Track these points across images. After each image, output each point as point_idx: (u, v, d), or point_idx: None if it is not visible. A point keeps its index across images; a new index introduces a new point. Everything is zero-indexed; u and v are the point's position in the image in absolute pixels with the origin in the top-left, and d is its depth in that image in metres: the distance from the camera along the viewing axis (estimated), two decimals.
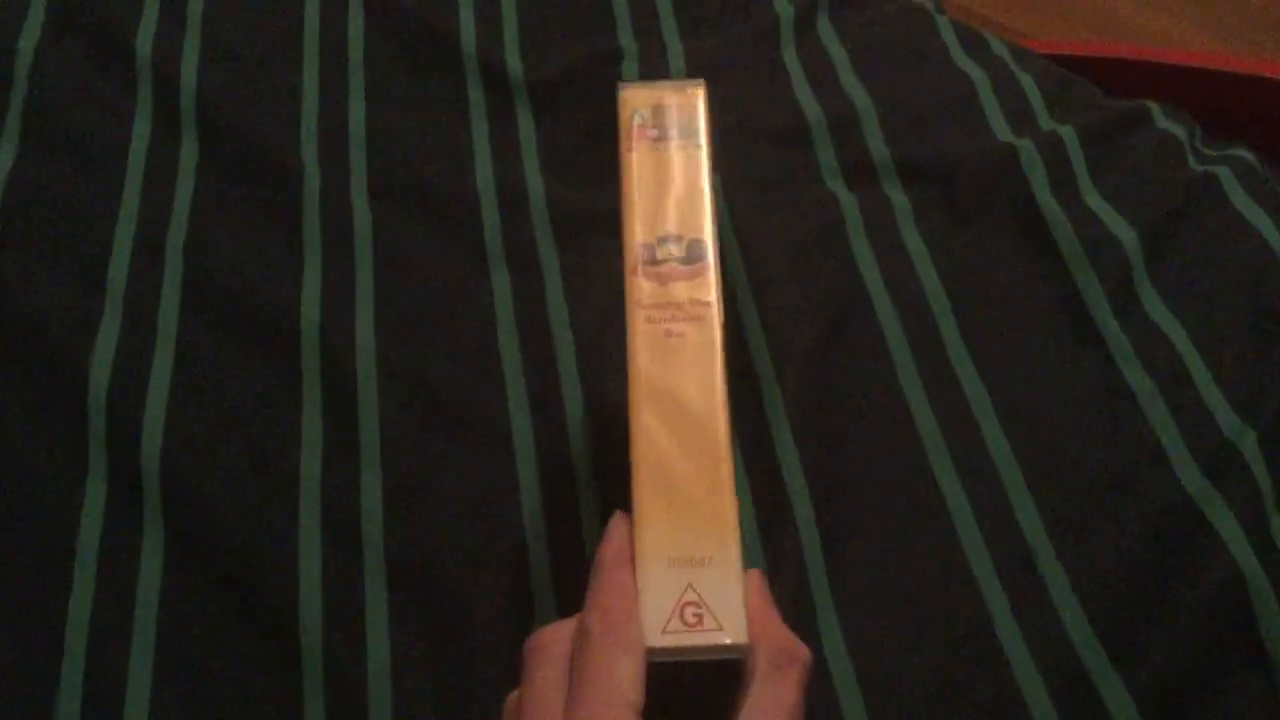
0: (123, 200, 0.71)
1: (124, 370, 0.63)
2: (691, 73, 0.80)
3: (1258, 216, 0.70)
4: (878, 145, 0.75)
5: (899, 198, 0.72)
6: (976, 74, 0.80)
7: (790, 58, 0.81)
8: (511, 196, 0.73)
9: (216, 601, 0.56)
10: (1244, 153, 0.77)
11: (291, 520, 0.58)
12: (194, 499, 0.59)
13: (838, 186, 0.73)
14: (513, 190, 0.73)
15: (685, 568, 0.44)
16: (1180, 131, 0.77)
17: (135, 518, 0.58)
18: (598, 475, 0.61)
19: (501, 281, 0.69)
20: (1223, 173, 0.73)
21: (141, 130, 0.74)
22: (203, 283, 0.67)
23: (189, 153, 0.74)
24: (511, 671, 0.54)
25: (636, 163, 0.54)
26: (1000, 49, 0.83)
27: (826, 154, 0.75)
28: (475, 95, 0.79)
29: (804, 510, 0.59)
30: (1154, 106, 0.79)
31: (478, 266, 0.70)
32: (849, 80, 0.79)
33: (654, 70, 0.80)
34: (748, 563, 0.49)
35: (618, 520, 0.46)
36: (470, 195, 0.73)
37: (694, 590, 0.43)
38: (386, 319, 0.66)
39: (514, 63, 0.80)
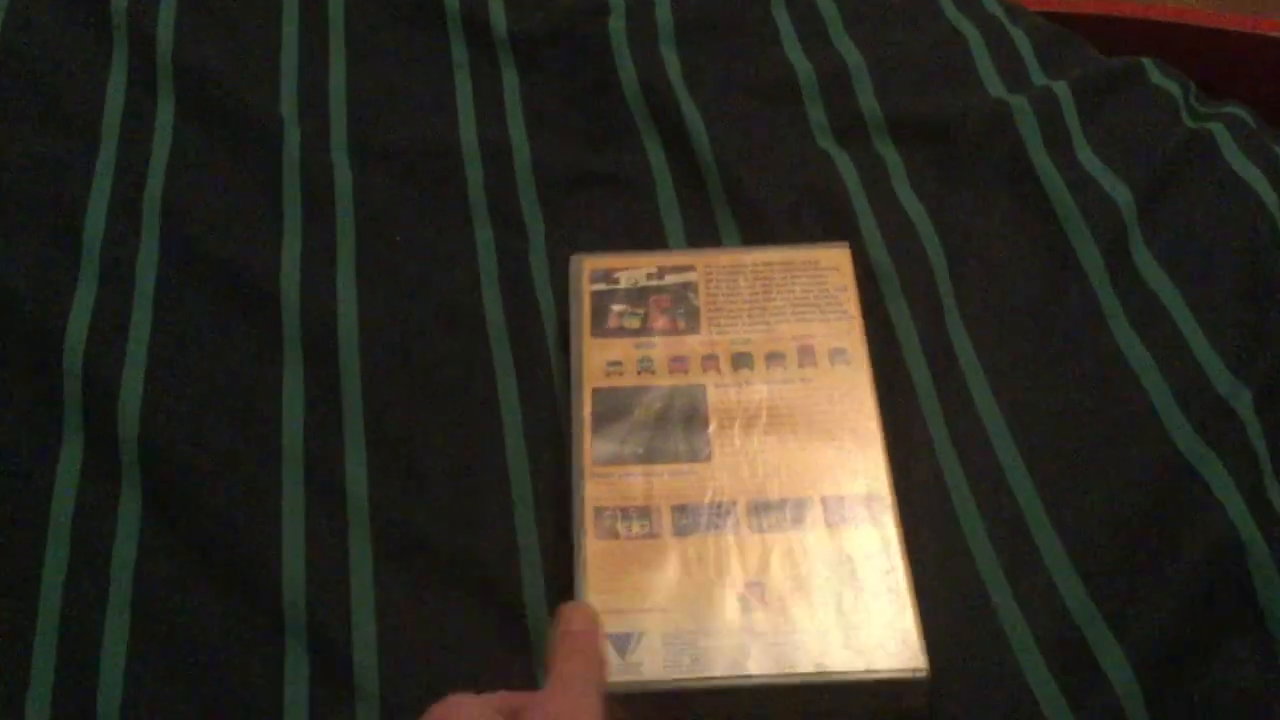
0: (98, 158, 0.69)
1: (101, 333, 0.61)
2: (678, 27, 0.79)
3: (1252, 174, 0.69)
4: (869, 102, 0.74)
5: (891, 155, 0.71)
6: (969, 29, 0.79)
7: (781, 13, 0.80)
8: (495, 153, 0.72)
9: (195, 566, 0.55)
10: (1238, 109, 0.76)
11: (274, 484, 0.57)
12: (173, 462, 0.57)
13: (829, 144, 0.72)
14: (497, 147, 0.72)
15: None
16: (1175, 88, 0.76)
17: (112, 482, 0.57)
18: None
19: (485, 240, 0.68)
20: (1217, 129, 0.72)
21: (117, 87, 0.73)
22: (181, 243, 0.66)
23: (165, 110, 0.72)
24: (492, 634, 0.53)
25: None
26: (993, 5, 0.82)
27: (817, 111, 0.74)
28: (458, 51, 0.78)
29: None
30: (1147, 62, 0.78)
31: (461, 225, 0.68)
32: (839, 37, 0.78)
33: (640, 26, 0.78)
34: None
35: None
36: (453, 152, 0.72)
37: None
38: (368, 279, 0.65)
39: (498, 17, 0.79)
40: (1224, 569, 0.54)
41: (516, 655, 0.53)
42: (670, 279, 0.63)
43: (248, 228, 0.67)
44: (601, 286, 0.63)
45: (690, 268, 0.63)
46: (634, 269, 0.63)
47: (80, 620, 0.54)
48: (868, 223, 0.67)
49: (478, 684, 0.45)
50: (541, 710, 0.44)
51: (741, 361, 0.60)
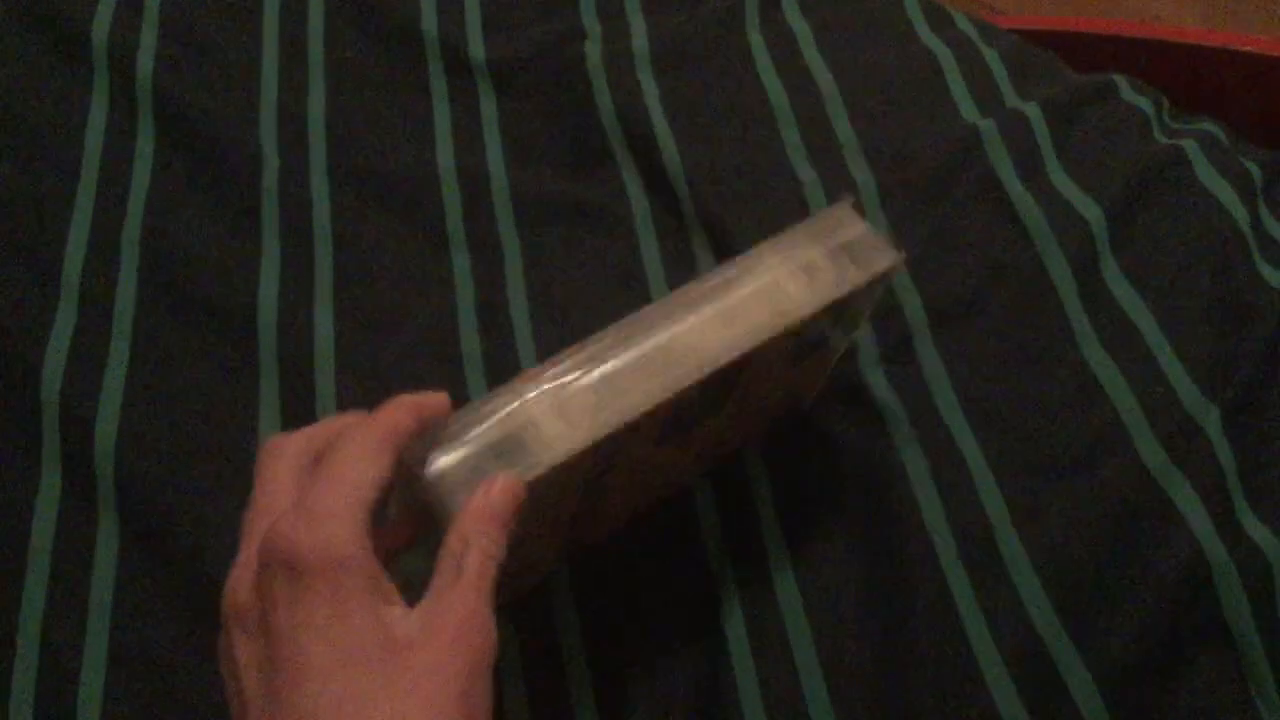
0: (78, 189, 0.70)
1: (78, 365, 0.62)
2: (654, 53, 0.79)
3: (1223, 190, 0.70)
4: (843, 126, 0.74)
5: (865, 178, 0.71)
6: (941, 51, 0.79)
7: (755, 37, 0.81)
8: (473, 180, 0.72)
9: (172, 592, 0.56)
10: (1210, 125, 0.77)
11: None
12: (150, 493, 0.58)
13: (803, 168, 0.72)
14: (474, 174, 0.73)
15: None
16: (1146, 104, 0.77)
17: (90, 512, 0.58)
18: None
19: (462, 268, 0.68)
20: (1189, 145, 0.72)
21: (97, 119, 0.73)
22: (160, 275, 0.67)
23: (145, 141, 0.73)
24: None
25: None
26: (966, 25, 0.83)
27: (792, 134, 0.74)
28: (436, 78, 0.78)
29: (764, 489, 0.59)
30: (1119, 79, 0.79)
31: (438, 253, 0.69)
32: (813, 59, 0.79)
33: (617, 52, 0.79)
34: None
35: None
36: (431, 180, 0.72)
37: None
38: (345, 308, 0.66)
39: (475, 44, 0.80)
40: (1191, 588, 0.55)
41: None
42: None
43: (226, 258, 0.68)
44: None
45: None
46: None
47: (58, 650, 0.54)
48: None
49: None
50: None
51: None
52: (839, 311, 0.52)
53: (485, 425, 0.45)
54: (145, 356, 0.63)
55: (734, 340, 0.48)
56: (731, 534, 0.58)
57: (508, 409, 0.45)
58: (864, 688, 0.53)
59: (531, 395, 0.46)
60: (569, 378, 0.47)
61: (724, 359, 0.48)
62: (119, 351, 0.63)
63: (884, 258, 0.52)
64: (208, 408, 0.61)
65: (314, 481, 0.41)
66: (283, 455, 0.44)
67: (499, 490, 0.43)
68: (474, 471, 0.44)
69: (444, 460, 0.44)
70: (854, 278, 0.51)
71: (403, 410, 0.44)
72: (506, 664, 0.54)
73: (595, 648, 0.55)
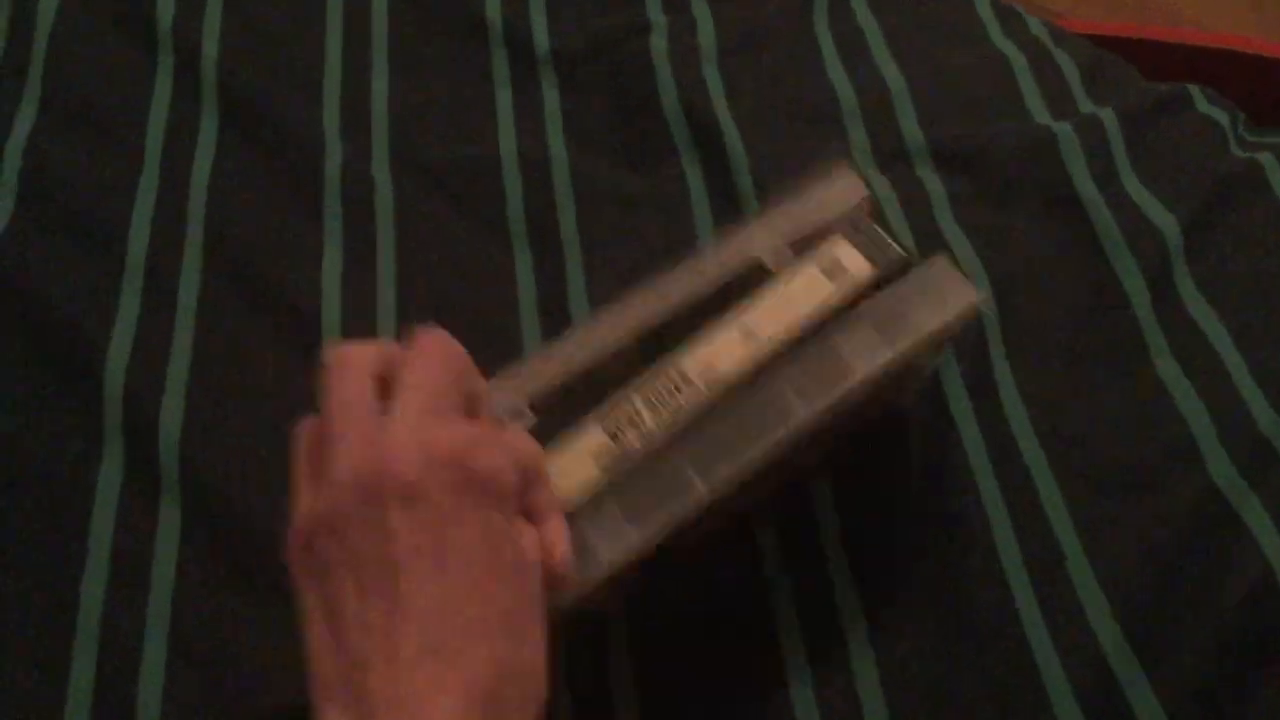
0: (142, 174, 0.70)
1: (143, 352, 0.62)
2: (720, 46, 0.78)
3: None
4: (911, 127, 0.73)
5: (934, 182, 0.70)
6: (1014, 54, 0.78)
7: (823, 32, 0.80)
8: (536, 171, 0.72)
9: (235, 587, 0.56)
10: None
11: None
12: (213, 483, 0.58)
13: (870, 168, 0.71)
14: (537, 164, 0.72)
15: None
16: (1222, 117, 0.75)
17: (151, 500, 0.57)
18: None
19: (523, 260, 0.68)
20: (1266, 160, 0.71)
21: (161, 101, 0.73)
22: (224, 260, 0.66)
23: (209, 125, 0.72)
24: None
25: None
26: (1038, 28, 0.81)
27: (859, 134, 0.73)
28: (500, 67, 0.78)
29: (826, 497, 0.58)
30: (1195, 90, 0.77)
31: (500, 244, 0.69)
32: (883, 57, 0.78)
33: (682, 44, 0.78)
34: None
35: None
36: (494, 170, 0.72)
37: None
38: (408, 298, 0.65)
39: (540, 34, 0.79)
40: (1261, 610, 0.54)
41: None
42: None
43: (289, 245, 0.67)
44: None
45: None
46: None
47: (119, 639, 0.54)
48: (910, 252, 0.67)
49: None
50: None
51: None
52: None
53: None
54: (209, 344, 0.63)
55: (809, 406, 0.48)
56: (792, 557, 0.57)
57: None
58: (923, 699, 0.52)
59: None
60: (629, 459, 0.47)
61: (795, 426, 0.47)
62: (182, 339, 0.63)
63: (964, 297, 0.51)
64: (272, 398, 0.61)
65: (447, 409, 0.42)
66: (353, 368, 0.43)
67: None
68: None
69: None
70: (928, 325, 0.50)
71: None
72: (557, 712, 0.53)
73: (648, 701, 0.54)
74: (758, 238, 0.51)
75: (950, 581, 0.56)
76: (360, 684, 0.37)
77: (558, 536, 0.44)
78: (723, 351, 0.48)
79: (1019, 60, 0.77)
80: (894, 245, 0.52)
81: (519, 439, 0.45)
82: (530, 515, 0.43)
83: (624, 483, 0.46)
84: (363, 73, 0.76)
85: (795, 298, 0.49)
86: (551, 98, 0.76)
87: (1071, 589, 0.55)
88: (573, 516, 0.45)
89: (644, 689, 0.54)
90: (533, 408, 0.47)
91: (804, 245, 0.51)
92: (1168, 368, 0.62)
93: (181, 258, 0.66)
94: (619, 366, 0.50)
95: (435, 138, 0.74)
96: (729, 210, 0.70)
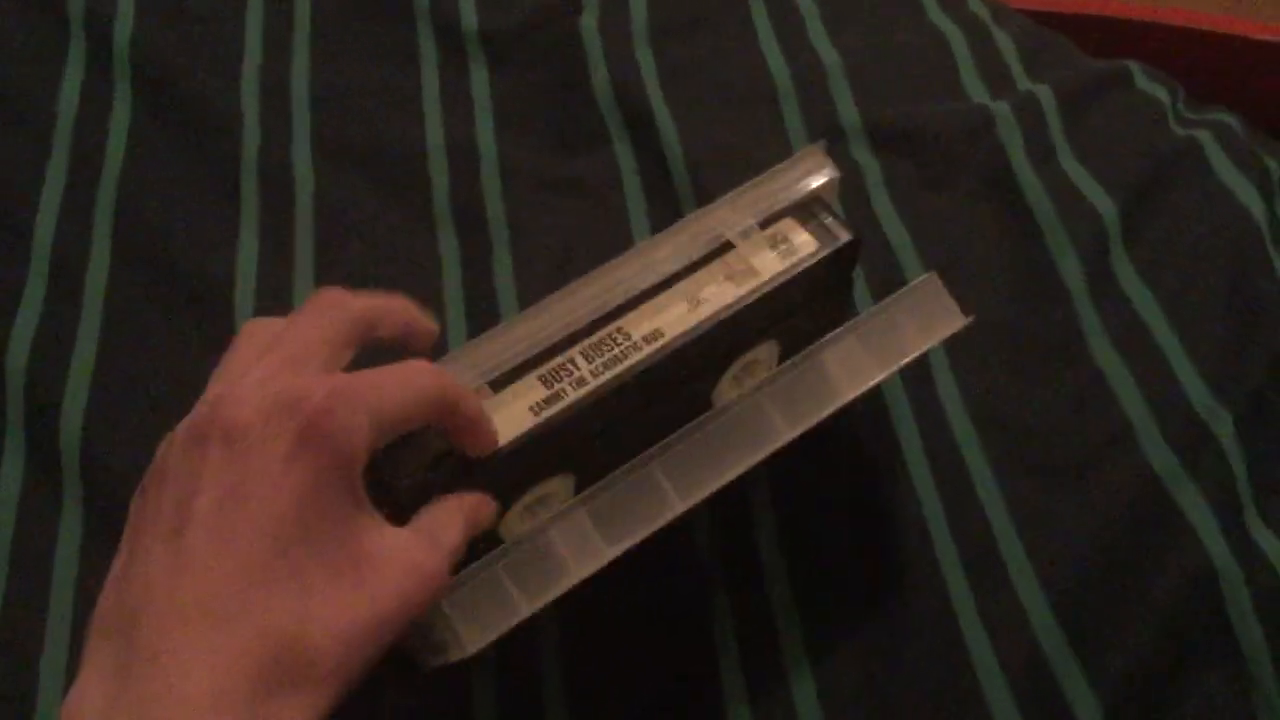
0: (51, 157, 0.67)
1: (46, 338, 0.60)
2: (653, 26, 0.76)
3: (1240, 185, 0.67)
4: (847, 108, 0.72)
5: (870, 164, 0.69)
6: (952, 31, 0.76)
7: (759, 13, 0.78)
8: (463, 156, 0.70)
9: None
10: (1227, 117, 0.74)
11: None
12: (117, 477, 0.56)
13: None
14: (464, 149, 0.70)
15: None
16: (1162, 93, 0.74)
17: (53, 496, 0.55)
18: None
19: (449, 247, 0.66)
20: (1205, 137, 0.70)
21: (72, 82, 0.71)
22: (134, 246, 0.64)
23: (122, 107, 0.70)
24: None
25: None
26: (977, 5, 0.80)
27: (794, 116, 0.72)
28: (427, 47, 0.76)
29: (762, 493, 0.56)
30: (1134, 66, 0.76)
31: (425, 231, 0.67)
32: (819, 37, 0.76)
33: (615, 24, 0.76)
34: None
35: None
36: (419, 154, 0.70)
37: None
38: (326, 285, 0.63)
39: (468, 13, 0.77)
40: (1198, 599, 0.53)
41: None
42: None
43: (203, 230, 0.65)
44: None
45: None
46: None
47: (19, 636, 0.52)
48: None
49: None
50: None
51: None
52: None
53: None
54: (116, 333, 0.61)
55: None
56: (730, 561, 0.55)
57: None
58: (859, 700, 0.51)
59: None
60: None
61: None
62: (89, 326, 0.61)
63: (953, 321, 0.50)
64: (181, 389, 0.58)
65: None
66: (252, 337, 0.42)
67: (488, 510, 0.43)
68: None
69: None
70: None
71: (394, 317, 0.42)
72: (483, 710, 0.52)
73: (578, 709, 0.52)
74: (726, 218, 0.50)
75: (885, 577, 0.55)
76: (127, 632, 0.35)
77: (441, 530, 0.40)
78: (669, 316, 0.47)
79: (957, 38, 0.76)
80: (844, 228, 0.50)
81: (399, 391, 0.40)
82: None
83: (596, 494, 0.44)
84: (283, 52, 0.74)
85: (737, 263, 0.48)
86: (480, 79, 0.74)
87: (1007, 581, 0.54)
88: (543, 525, 0.43)
89: (574, 697, 0.52)
90: (491, 385, 0.45)
91: (770, 224, 0.50)
92: (1104, 352, 0.61)
93: (90, 243, 0.64)
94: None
95: (358, 121, 0.72)
96: (661, 193, 0.68)
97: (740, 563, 0.55)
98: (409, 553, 0.38)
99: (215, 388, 0.40)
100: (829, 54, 0.75)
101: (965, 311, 0.50)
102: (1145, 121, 0.72)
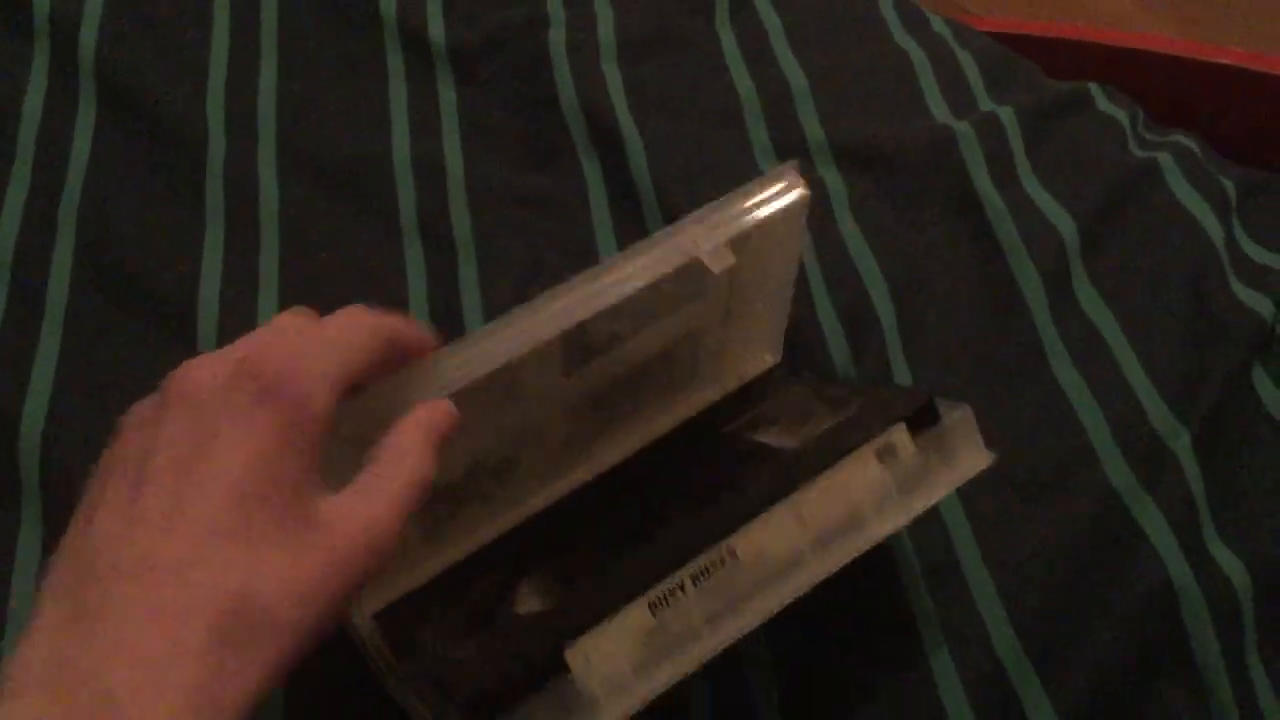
0: (13, 164, 0.67)
1: (5, 349, 0.59)
2: (620, 44, 0.77)
3: (1198, 206, 0.68)
4: (812, 126, 0.72)
5: (835, 182, 0.69)
6: (915, 52, 0.77)
7: (725, 31, 0.78)
8: (430, 169, 0.70)
9: None
10: (1185, 139, 0.75)
11: None
12: (77, 493, 0.55)
13: (770, 168, 0.70)
14: (431, 164, 0.70)
15: None
16: (1121, 115, 0.75)
17: (10, 510, 0.55)
18: None
19: (415, 261, 0.65)
20: (1164, 159, 0.71)
21: (36, 89, 0.70)
22: (96, 256, 0.64)
23: (86, 115, 0.69)
24: None
25: None
26: (941, 26, 0.81)
27: (759, 133, 0.72)
28: (394, 62, 0.76)
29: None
30: (1095, 88, 0.77)
31: (390, 244, 0.66)
32: (784, 55, 0.77)
33: (582, 41, 0.76)
34: None
35: None
36: (386, 168, 0.70)
37: None
38: (290, 298, 0.63)
39: (436, 28, 0.77)
40: (1158, 617, 0.53)
41: None
42: None
43: (167, 242, 0.65)
44: None
45: None
46: None
47: None
48: (807, 252, 0.66)
49: None
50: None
51: None
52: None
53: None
54: (77, 344, 0.60)
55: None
56: None
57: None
58: (819, 713, 0.51)
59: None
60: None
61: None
62: (50, 337, 0.60)
63: (978, 461, 0.49)
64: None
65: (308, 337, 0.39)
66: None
67: (444, 411, 0.41)
68: None
69: None
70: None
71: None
72: None
73: None
74: (697, 237, 0.49)
75: (845, 589, 0.55)
76: (78, 590, 0.35)
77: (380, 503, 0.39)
78: (773, 534, 0.45)
79: (920, 58, 0.77)
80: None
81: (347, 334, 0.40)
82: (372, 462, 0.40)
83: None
84: (250, 64, 0.74)
85: (848, 482, 0.47)
86: (447, 94, 0.74)
87: (969, 596, 0.54)
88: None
89: None
90: (453, 398, 0.45)
91: (741, 243, 0.50)
92: (1064, 371, 0.61)
93: (52, 252, 0.63)
94: (549, 366, 0.49)
95: (325, 135, 0.71)
96: (628, 210, 0.68)
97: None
98: (363, 507, 0.38)
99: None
100: (795, 73, 0.75)
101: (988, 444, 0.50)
102: (1105, 143, 0.72)
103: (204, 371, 0.38)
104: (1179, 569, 0.54)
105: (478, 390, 0.44)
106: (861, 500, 0.47)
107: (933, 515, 0.56)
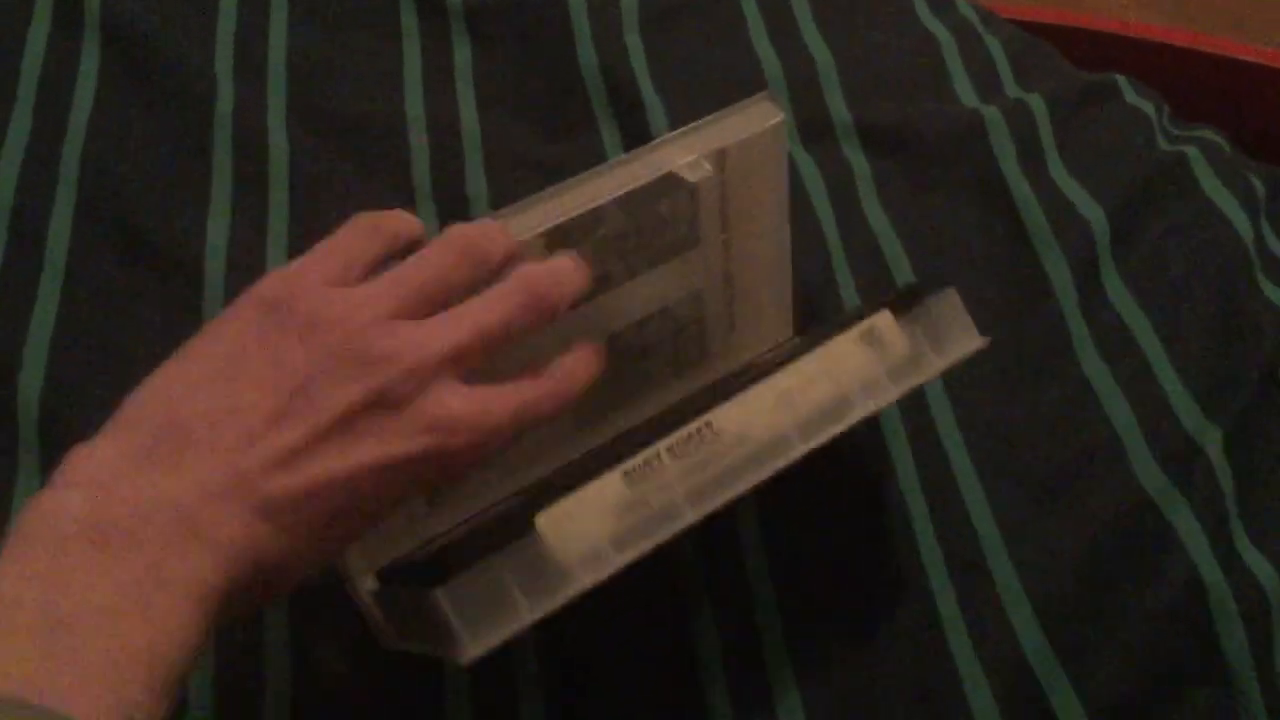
0: (14, 110, 0.64)
1: (4, 299, 0.57)
2: (644, 9, 0.75)
3: (1227, 202, 0.67)
4: (838, 105, 0.70)
5: (859, 162, 0.68)
6: (942, 34, 0.76)
7: (749, 4, 0.77)
8: (444, 132, 0.68)
9: None
10: (1212, 133, 0.74)
11: None
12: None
13: (795, 147, 0.68)
14: (446, 125, 0.68)
15: None
16: (1149, 107, 0.74)
17: (7, 468, 0.52)
18: None
19: (427, 221, 0.63)
20: (1193, 153, 0.70)
21: (38, 34, 0.68)
22: (99, 206, 0.61)
23: (90, 61, 0.67)
24: None
25: None
26: (968, 10, 0.79)
27: (784, 110, 0.70)
28: (408, 20, 0.73)
29: (748, 503, 0.55)
30: (1121, 80, 0.76)
31: (403, 205, 0.64)
32: (810, 32, 0.75)
33: (604, 6, 0.74)
34: None
35: None
36: (399, 127, 0.68)
37: None
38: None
39: None
40: (1187, 615, 0.52)
41: None
42: None
43: (172, 194, 0.62)
44: None
45: None
46: None
47: None
48: (831, 234, 0.64)
49: None
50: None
51: None
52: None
53: None
54: (78, 297, 0.58)
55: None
56: (714, 569, 0.54)
57: None
58: (843, 713, 0.50)
59: None
60: None
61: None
62: (49, 289, 0.58)
63: (969, 343, 0.49)
64: (146, 358, 0.56)
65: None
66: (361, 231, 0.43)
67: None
68: None
69: None
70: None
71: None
72: None
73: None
74: (673, 152, 0.49)
75: (871, 587, 0.53)
76: (158, 427, 0.37)
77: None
78: (755, 413, 0.45)
79: (947, 40, 0.75)
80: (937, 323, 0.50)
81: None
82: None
83: None
84: (260, 15, 0.71)
85: (833, 368, 0.46)
86: (462, 54, 0.72)
87: (994, 594, 0.53)
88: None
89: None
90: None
91: (719, 159, 0.50)
92: (1092, 364, 0.60)
93: (53, 201, 0.61)
94: None
95: (336, 91, 0.69)
96: None
97: (725, 574, 0.53)
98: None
99: (309, 267, 0.41)
100: (820, 50, 0.73)
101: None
102: (1134, 134, 0.71)
103: (337, 310, 0.39)
104: (1210, 570, 0.53)
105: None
106: (849, 384, 0.46)
107: (961, 514, 0.54)
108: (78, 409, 0.54)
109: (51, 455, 0.53)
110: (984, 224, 0.65)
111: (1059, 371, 0.60)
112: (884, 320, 0.47)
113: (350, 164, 0.66)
